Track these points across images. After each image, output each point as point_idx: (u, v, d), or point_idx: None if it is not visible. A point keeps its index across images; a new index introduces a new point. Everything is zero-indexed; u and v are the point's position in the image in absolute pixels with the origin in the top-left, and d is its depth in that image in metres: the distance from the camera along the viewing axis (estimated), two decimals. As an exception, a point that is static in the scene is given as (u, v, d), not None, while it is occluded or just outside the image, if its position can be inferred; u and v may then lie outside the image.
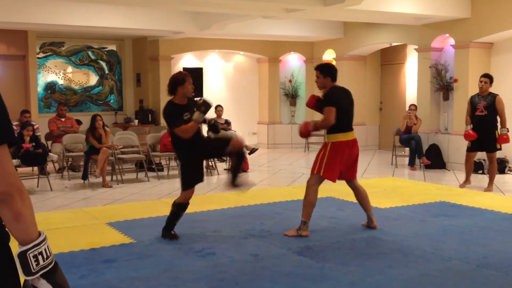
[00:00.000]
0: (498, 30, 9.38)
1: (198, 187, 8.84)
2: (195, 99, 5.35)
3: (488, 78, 7.90)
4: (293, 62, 14.22)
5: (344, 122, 5.28)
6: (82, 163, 9.34)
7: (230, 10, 8.84)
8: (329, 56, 13.52)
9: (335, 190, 7.81)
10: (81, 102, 12.72)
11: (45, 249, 1.49)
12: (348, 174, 5.47)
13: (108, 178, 8.76)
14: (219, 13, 9.84)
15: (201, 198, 7.56)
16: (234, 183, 5.39)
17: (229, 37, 12.66)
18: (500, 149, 8.04)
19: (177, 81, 5.23)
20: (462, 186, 8.20)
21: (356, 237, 5.30)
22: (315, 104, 5.49)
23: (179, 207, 5.28)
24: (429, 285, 3.98)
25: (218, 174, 9.76)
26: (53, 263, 1.52)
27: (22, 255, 1.46)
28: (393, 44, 12.22)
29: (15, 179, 1.45)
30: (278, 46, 13.88)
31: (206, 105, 5.10)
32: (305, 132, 5.47)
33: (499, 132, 7.81)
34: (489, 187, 7.96)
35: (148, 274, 4.25)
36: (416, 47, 10.95)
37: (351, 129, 5.38)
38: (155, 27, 10.80)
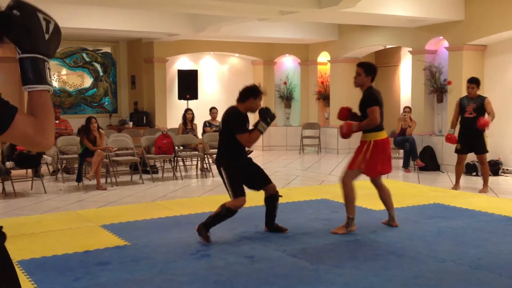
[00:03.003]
0: (491, 33, 9.43)
1: (193, 189, 8.76)
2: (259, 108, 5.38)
3: (474, 83, 7.90)
4: (288, 64, 14.25)
5: (382, 120, 5.49)
6: (76, 165, 9.32)
7: (225, 12, 8.85)
8: (323, 58, 13.56)
9: (328, 192, 7.83)
10: (75, 104, 12.70)
11: None
12: (384, 169, 5.66)
13: (102, 180, 8.74)
14: (214, 15, 9.84)
15: (196, 200, 7.56)
16: (273, 226, 5.57)
17: (224, 39, 12.67)
18: (487, 151, 8.02)
19: (253, 92, 5.30)
20: (454, 189, 8.22)
21: (350, 239, 5.31)
22: (348, 115, 5.69)
23: (228, 212, 5.15)
24: (423, 287, 3.99)
25: (213, 176, 9.75)
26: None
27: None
28: (387, 46, 12.26)
29: (44, 137, 1.51)
30: (273, 48, 13.90)
31: (271, 117, 5.19)
32: (349, 133, 5.61)
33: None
34: (484, 189, 7.99)
35: (143, 276, 4.25)
36: (410, 49, 10.99)
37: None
38: (150, 29, 10.80)
